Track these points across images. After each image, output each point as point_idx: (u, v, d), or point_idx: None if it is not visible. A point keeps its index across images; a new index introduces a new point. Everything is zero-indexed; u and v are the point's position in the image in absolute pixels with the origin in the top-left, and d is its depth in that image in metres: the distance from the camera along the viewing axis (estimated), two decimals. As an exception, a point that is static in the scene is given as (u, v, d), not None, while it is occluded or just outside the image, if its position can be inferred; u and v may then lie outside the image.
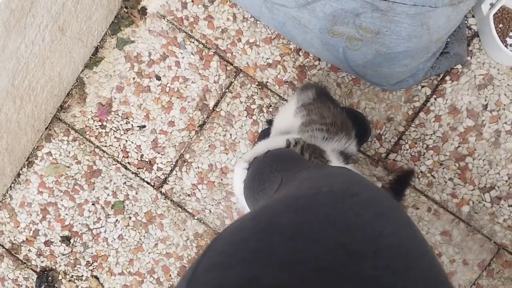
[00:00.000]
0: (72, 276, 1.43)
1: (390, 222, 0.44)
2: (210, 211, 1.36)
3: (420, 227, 1.29)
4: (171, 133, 1.37)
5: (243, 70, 1.34)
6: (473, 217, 1.27)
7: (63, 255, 1.43)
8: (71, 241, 1.43)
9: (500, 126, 1.26)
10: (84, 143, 1.41)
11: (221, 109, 1.35)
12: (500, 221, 1.27)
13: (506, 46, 1.22)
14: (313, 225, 0.41)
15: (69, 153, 1.41)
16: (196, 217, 1.37)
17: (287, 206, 0.47)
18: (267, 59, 1.33)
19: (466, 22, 1.28)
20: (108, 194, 1.40)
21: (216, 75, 1.35)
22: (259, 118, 1.34)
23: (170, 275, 1.39)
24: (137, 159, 1.39)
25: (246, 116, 1.34)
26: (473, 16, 1.28)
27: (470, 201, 1.27)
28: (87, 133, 1.40)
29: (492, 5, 1.22)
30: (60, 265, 1.43)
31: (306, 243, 0.39)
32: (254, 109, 1.34)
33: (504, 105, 1.25)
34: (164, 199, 1.39)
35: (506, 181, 1.26)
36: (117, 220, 1.41)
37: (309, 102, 1.12)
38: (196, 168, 1.37)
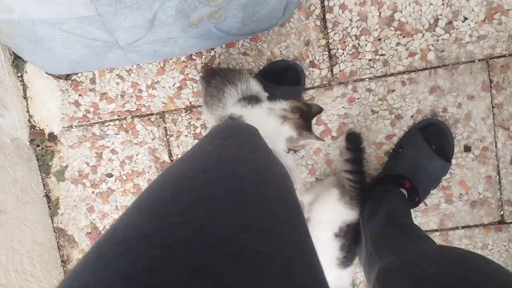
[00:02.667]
0: None
1: None
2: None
3: (409, 103, 1.22)
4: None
5: (165, 111, 1.31)
6: (442, 56, 1.20)
7: None
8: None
9: (398, -34, 1.17)
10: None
11: (177, 154, 1.32)
12: (467, 40, 1.19)
13: None
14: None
15: None
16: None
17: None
18: (173, 85, 1.29)
19: None
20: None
21: (149, 132, 1.32)
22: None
23: None
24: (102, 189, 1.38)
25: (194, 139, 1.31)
26: None
27: (429, 46, 1.20)
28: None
29: None
30: None
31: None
32: (200, 132, 1.30)
33: None
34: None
35: (442, 3, 1.18)
36: None
37: (205, 94, 1.14)
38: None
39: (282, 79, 1.22)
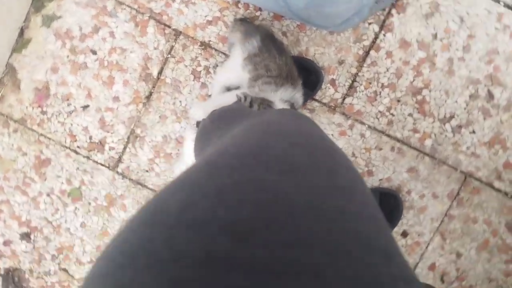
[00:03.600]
0: (39, 273, 1.37)
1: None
2: (171, 184, 1.31)
3: (386, 168, 1.27)
4: (117, 109, 1.30)
5: (182, 32, 1.26)
6: (437, 149, 1.26)
7: (25, 252, 1.36)
8: (31, 236, 1.36)
9: (452, 54, 1.23)
10: (26, 132, 1.32)
11: (166, 77, 1.28)
12: (464, 149, 1.25)
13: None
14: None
15: (12, 145, 1.32)
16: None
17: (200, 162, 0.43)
18: (205, 16, 1.25)
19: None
20: (62, 183, 1.33)
21: (155, 41, 1.27)
22: (207, 80, 1.27)
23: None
24: (86, 141, 1.31)
25: (193, 80, 1.28)
26: None
27: (432, 133, 1.25)
28: (28, 121, 1.31)
29: None
30: (24, 264, 1.37)
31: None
32: (200, 71, 1.27)
33: (453, 31, 1.22)
34: (122, 179, 1.32)
35: (465, 108, 1.24)
36: (76, 208, 1.34)
37: (255, 53, 1.05)
38: (150, 142, 1.30)
39: (302, 76, 1.22)
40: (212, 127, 0.79)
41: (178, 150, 1.30)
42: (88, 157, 1.32)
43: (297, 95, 1.02)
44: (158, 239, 0.32)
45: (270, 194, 0.35)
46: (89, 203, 1.33)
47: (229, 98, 0.97)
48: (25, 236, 1.35)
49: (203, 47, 1.26)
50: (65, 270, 1.37)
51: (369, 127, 1.26)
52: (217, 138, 0.69)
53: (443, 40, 1.22)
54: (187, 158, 1.07)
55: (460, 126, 1.25)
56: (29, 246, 1.36)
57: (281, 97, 0.97)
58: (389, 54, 1.24)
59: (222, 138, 0.59)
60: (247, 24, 1.17)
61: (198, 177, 0.40)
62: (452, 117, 1.25)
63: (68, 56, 1.28)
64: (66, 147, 1.32)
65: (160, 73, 1.28)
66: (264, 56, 1.05)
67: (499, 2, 1.20)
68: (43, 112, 1.31)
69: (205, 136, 0.80)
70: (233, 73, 1.10)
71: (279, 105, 0.95)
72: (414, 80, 1.24)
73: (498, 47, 1.22)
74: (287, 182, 0.37)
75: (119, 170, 1.32)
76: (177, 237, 0.31)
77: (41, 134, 1.31)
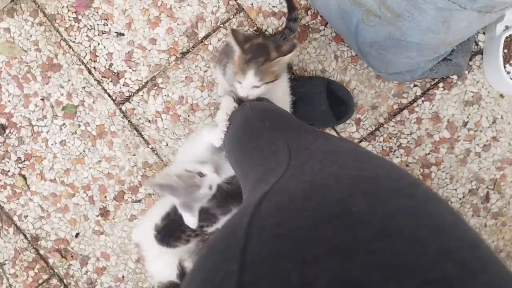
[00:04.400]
0: (-3, 169, 1.30)
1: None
2: (167, 144, 1.28)
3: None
4: (149, 51, 1.26)
5: (245, 10, 1.25)
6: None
7: (-6, 143, 1.29)
8: (6, 131, 1.29)
9: (472, 146, 1.27)
10: (51, 31, 1.26)
11: (210, 43, 1.26)
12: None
13: (507, 70, 1.22)
14: (399, 220, 0.34)
15: (31, 36, 1.26)
16: (150, 146, 1.29)
17: (349, 189, 0.39)
18: (273, 6, 1.25)
19: (475, 36, 1.26)
20: (62, 94, 1.28)
21: (216, 6, 1.25)
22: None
23: (105, 197, 1.30)
24: (105, 66, 1.27)
25: (233, 59, 1.26)
26: (483, 33, 1.27)
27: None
28: (58, 21, 1.26)
29: (507, 27, 1.21)
30: (-14, 153, 1.30)
31: (403, 243, 0.31)
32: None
33: (483, 127, 1.27)
34: (122, 118, 1.28)
35: (460, 199, 1.28)
36: (64, 124, 1.29)
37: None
38: (165, 95, 1.27)
39: (335, 103, 1.23)
40: (259, 124, 0.78)
41: (188, 116, 1.27)
42: (99, 82, 1.27)
43: None
44: None
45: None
46: (79, 125, 1.28)
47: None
48: (0, 128, 1.28)
49: (257, 32, 1.25)
50: (23, 177, 1.30)
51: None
52: (271, 144, 0.65)
53: (470, 131, 1.27)
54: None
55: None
56: (0, 139, 1.29)
57: None
58: (418, 120, 1.27)
59: (302, 158, 0.56)
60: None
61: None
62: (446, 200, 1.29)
63: (127, -20, 1.24)
64: (83, 63, 1.26)
65: (206, 37, 1.26)
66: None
67: (532, 121, 1.26)
68: (77, 20, 1.25)
69: (251, 131, 0.78)
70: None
71: None
72: (429, 154, 1.27)
73: (512, 159, 1.28)
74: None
75: (123, 108, 1.28)
76: None
77: (64, 39, 1.26)
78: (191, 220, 1.00)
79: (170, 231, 1.13)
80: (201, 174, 0.97)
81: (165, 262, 1.14)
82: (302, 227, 0.34)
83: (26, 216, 1.31)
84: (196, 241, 1.19)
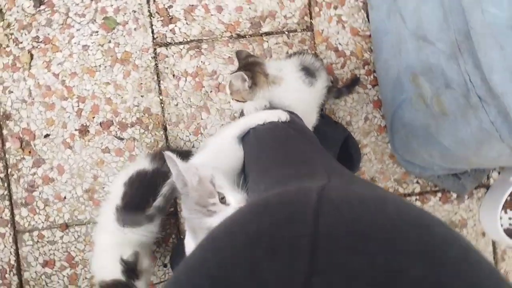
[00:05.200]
0: (12, 34, 1.26)
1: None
2: (177, 105, 1.26)
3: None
4: (212, 15, 1.26)
5: (313, 32, 1.26)
6: None
7: (24, 10, 1.25)
8: (42, 6, 1.25)
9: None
10: None
11: (267, 41, 1.26)
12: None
13: (501, 216, 1.25)
14: None
15: None
16: (161, 97, 1.26)
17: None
18: (339, 43, 1.27)
19: (491, 171, 1.30)
20: (112, 5, 1.26)
21: (291, 13, 1.27)
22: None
23: (93, 117, 1.26)
24: (164, 5, 1.26)
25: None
26: (498, 172, 1.31)
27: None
28: None
29: (522, 178, 1.25)
30: (11, 15, 1.26)
31: None
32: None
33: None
34: (151, 58, 1.26)
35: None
36: (97, 32, 1.26)
37: None
38: (202, 61, 1.26)
39: (341, 152, 1.23)
40: (295, 134, 0.78)
41: (211, 91, 1.26)
42: (151, 15, 1.26)
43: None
44: None
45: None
46: (109, 41, 1.26)
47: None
48: (38, 1, 1.25)
49: (314, 55, 1.26)
50: (31, 55, 1.26)
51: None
52: (309, 164, 0.64)
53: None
54: None
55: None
56: (31, 8, 1.25)
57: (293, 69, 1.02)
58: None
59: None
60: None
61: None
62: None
63: None
64: (148, -10, 1.25)
65: (267, 34, 1.26)
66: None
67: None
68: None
69: (289, 139, 0.77)
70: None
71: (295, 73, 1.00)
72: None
73: None
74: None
75: (158, 50, 1.26)
76: None
77: (144, -40, 1.25)
78: (189, 243, 0.81)
79: (132, 205, 1.08)
80: (223, 200, 0.71)
81: (112, 256, 1.04)
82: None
83: (11, 92, 1.26)
84: (158, 222, 1.12)
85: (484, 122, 1.02)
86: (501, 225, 1.27)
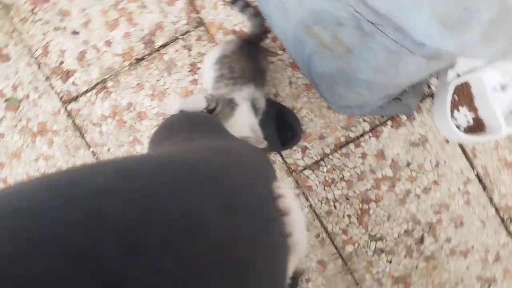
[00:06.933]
0: None
1: None
2: (109, 150, 1.26)
3: (303, 248, 1.28)
4: (103, 53, 1.24)
5: (205, 24, 1.24)
6: (352, 258, 1.30)
7: None
8: None
9: (413, 187, 1.29)
10: (4, 19, 1.22)
11: (166, 53, 1.24)
12: (374, 271, 1.30)
13: (451, 117, 1.24)
14: None
15: (-18, 22, 1.22)
16: (92, 149, 1.26)
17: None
18: (234, 25, 1.25)
19: (428, 79, 1.28)
20: (8, 86, 1.24)
21: (177, 16, 1.24)
22: (199, 80, 1.25)
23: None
24: (55, 63, 1.24)
25: (188, 71, 1.25)
26: (436, 78, 1.29)
27: (356, 243, 1.29)
28: (13, 11, 1.22)
29: (458, 75, 1.23)
30: None
31: None
32: (199, 68, 1.25)
33: (425, 170, 1.28)
34: (66, 117, 1.25)
35: (395, 238, 1.29)
36: (5, 116, 1.25)
37: (225, 55, 1.09)
38: (113, 99, 1.25)
39: (282, 128, 1.23)
40: (176, 128, 0.78)
41: (135, 123, 1.25)
42: (47, 78, 1.24)
43: (258, 94, 1.07)
44: None
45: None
46: (20, 120, 1.25)
47: (199, 98, 0.96)
48: None
49: (213, 48, 1.24)
50: (-44, 165, 1.25)
51: (310, 206, 1.28)
52: (176, 141, 0.67)
53: (413, 172, 1.28)
54: None
55: (382, 250, 1.30)
56: None
57: (243, 96, 1.03)
58: (363, 155, 1.28)
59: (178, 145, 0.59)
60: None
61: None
62: (380, 239, 1.30)
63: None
64: (33, 57, 1.23)
65: (162, 46, 1.24)
66: (232, 58, 1.08)
67: (473, 169, 1.29)
68: (33, 12, 1.22)
69: (167, 132, 0.78)
70: (206, 70, 1.13)
71: (242, 102, 1.00)
72: (369, 190, 1.28)
73: (451, 205, 1.29)
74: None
75: (69, 108, 1.25)
76: None
77: (17, 30, 1.23)
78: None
79: None
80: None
81: None
82: None
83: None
84: None
85: (387, 44, 1.01)
86: (459, 125, 1.26)
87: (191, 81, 1.25)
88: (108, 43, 1.24)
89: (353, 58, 1.06)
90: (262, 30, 1.20)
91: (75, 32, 1.23)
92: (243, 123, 1.00)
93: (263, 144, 0.89)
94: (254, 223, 0.45)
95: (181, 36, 1.25)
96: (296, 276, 1.26)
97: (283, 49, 1.25)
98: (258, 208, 0.48)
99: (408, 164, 1.28)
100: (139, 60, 1.24)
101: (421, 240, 1.30)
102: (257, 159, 0.68)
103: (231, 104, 1.00)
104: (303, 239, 0.55)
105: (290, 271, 0.55)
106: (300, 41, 1.12)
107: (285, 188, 0.56)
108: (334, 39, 1.06)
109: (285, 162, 1.27)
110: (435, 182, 1.29)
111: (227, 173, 0.47)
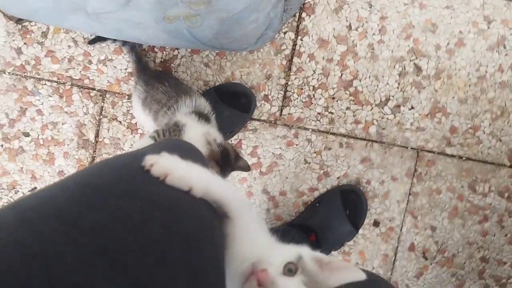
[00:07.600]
0: None
1: None
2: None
3: (340, 165, 1.27)
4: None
5: (108, 90, 1.26)
6: (382, 133, 1.27)
7: None
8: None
9: (370, 39, 1.25)
10: None
11: (104, 138, 1.27)
12: (408, 126, 1.27)
13: None
14: None
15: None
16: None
17: None
18: (125, 69, 1.25)
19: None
20: None
21: (83, 106, 1.26)
22: (146, 130, 1.27)
23: None
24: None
25: (131, 133, 1.27)
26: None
27: (373, 120, 1.27)
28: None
29: None
30: None
31: None
32: (135, 123, 1.27)
33: (365, 18, 1.24)
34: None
35: (397, 87, 1.26)
36: None
37: (144, 96, 1.12)
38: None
39: (233, 101, 1.22)
40: None
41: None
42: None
43: (195, 100, 1.08)
44: None
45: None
46: None
47: (147, 141, 0.99)
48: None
49: (131, 99, 1.26)
50: None
51: (313, 130, 1.27)
52: None
53: (358, 29, 1.24)
54: None
55: (398, 106, 1.27)
56: None
57: (184, 112, 1.04)
58: (311, 57, 1.25)
59: None
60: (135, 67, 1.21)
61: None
62: (388, 99, 1.26)
63: (2, 146, 1.27)
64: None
65: (97, 136, 1.27)
66: (150, 93, 1.10)
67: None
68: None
69: None
70: (141, 119, 1.17)
71: (186, 119, 1.01)
72: (342, 75, 1.25)
73: (411, 21, 1.24)
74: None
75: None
76: None
77: None
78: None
79: None
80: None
81: None
82: None
83: None
84: None
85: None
86: None
87: (140, 137, 1.27)
88: (61, 173, 1.28)
89: (218, 2, 1.04)
90: (137, 55, 1.20)
91: (32, 189, 1.28)
92: (197, 136, 1.00)
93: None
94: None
95: (101, 116, 1.27)
96: (355, 189, 1.25)
97: (176, 49, 1.25)
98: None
99: (349, 27, 1.24)
100: (92, 162, 1.28)
101: (418, 69, 1.25)
102: None
103: (177, 128, 1.01)
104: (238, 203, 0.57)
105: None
106: (173, 31, 1.11)
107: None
108: (190, 5, 1.04)
109: (264, 120, 1.27)
110: (382, 18, 1.24)
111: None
